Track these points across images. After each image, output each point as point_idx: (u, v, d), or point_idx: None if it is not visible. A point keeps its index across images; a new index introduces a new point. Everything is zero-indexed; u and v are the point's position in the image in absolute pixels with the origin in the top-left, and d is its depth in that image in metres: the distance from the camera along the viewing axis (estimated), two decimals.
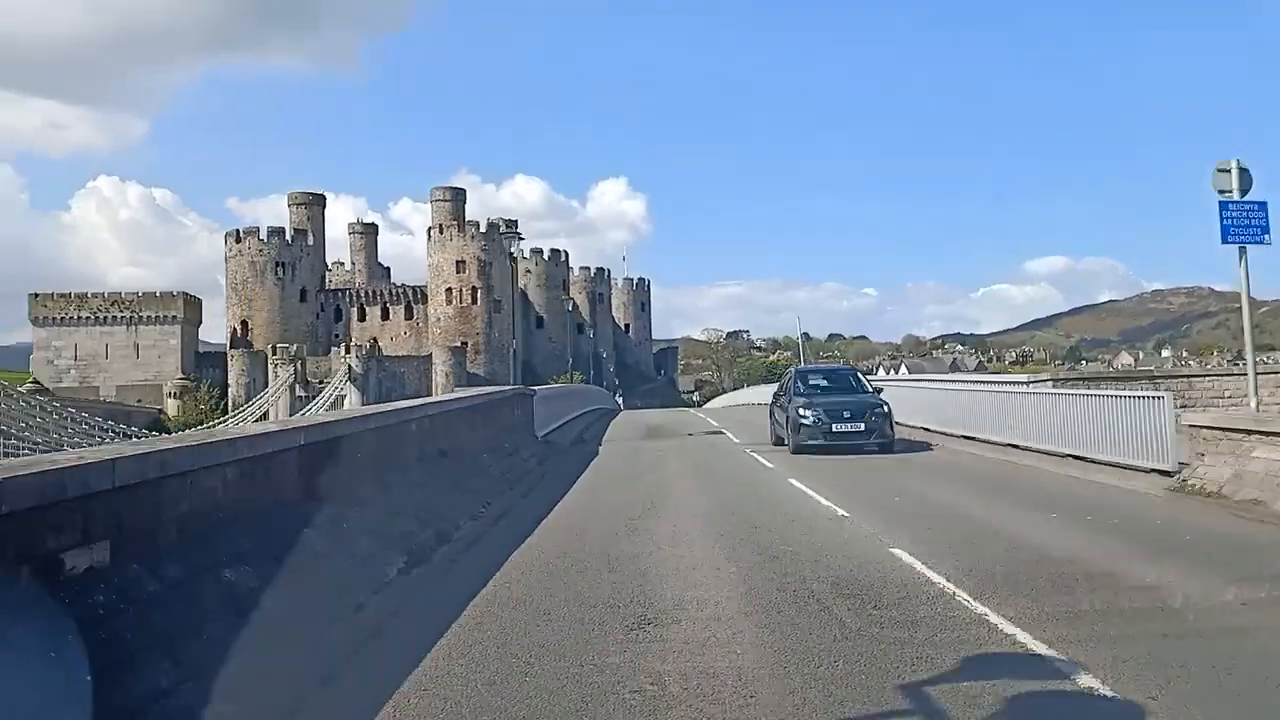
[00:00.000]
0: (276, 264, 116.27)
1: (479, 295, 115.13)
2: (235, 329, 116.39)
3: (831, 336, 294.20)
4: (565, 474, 16.88)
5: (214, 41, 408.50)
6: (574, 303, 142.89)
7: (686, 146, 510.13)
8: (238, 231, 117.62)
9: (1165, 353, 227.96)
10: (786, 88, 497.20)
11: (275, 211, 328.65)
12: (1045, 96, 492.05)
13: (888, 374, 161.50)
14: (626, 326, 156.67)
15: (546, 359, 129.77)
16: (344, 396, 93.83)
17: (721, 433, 29.70)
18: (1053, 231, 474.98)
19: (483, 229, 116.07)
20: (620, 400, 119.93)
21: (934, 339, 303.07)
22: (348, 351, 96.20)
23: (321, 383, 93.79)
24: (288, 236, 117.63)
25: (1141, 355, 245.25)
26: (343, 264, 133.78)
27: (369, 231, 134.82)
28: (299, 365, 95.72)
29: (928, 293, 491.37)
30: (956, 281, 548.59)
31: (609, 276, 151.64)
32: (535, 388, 26.22)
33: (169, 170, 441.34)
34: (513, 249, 77.55)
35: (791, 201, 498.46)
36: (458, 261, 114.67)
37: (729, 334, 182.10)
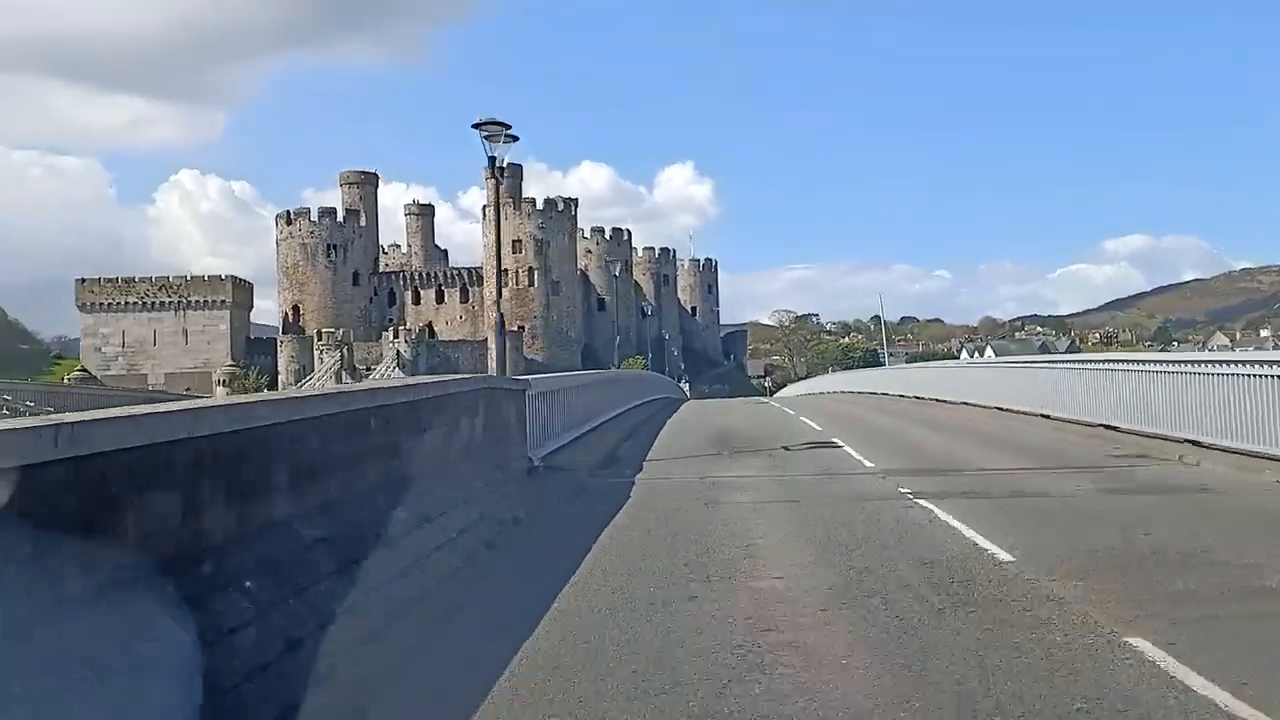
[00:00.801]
0: (328, 246, 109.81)
1: (535, 276, 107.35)
2: (287, 314, 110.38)
3: (904, 319, 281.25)
4: (505, 598, 6.96)
5: (291, 36, 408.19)
6: (637, 284, 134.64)
7: (754, 129, 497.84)
8: (288, 213, 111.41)
9: (1264, 332, 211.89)
10: (854, 69, 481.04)
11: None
12: (1121, 70, 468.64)
13: (970, 357, 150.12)
14: (693, 309, 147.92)
15: (608, 343, 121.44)
16: None
17: (836, 445, 19.53)
18: (1132, 209, 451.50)
19: (540, 206, 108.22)
20: (686, 387, 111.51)
21: (1011, 321, 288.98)
22: (396, 336, 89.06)
23: (369, 369, 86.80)
24: (339, 218, 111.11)
25: (1238, 335, 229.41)
26: (399, 247, 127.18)
27: (425, 213, 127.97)
28: (345, 351, 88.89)
29: (1002, 274, 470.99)
30: (1032, 262, 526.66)
31: (674, 257, 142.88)
32: (534, 377, 17.49)
33: (247, 163, 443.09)
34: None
35: (861, 183, 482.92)
36: (513, 241, 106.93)
37: (797, 317, 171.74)
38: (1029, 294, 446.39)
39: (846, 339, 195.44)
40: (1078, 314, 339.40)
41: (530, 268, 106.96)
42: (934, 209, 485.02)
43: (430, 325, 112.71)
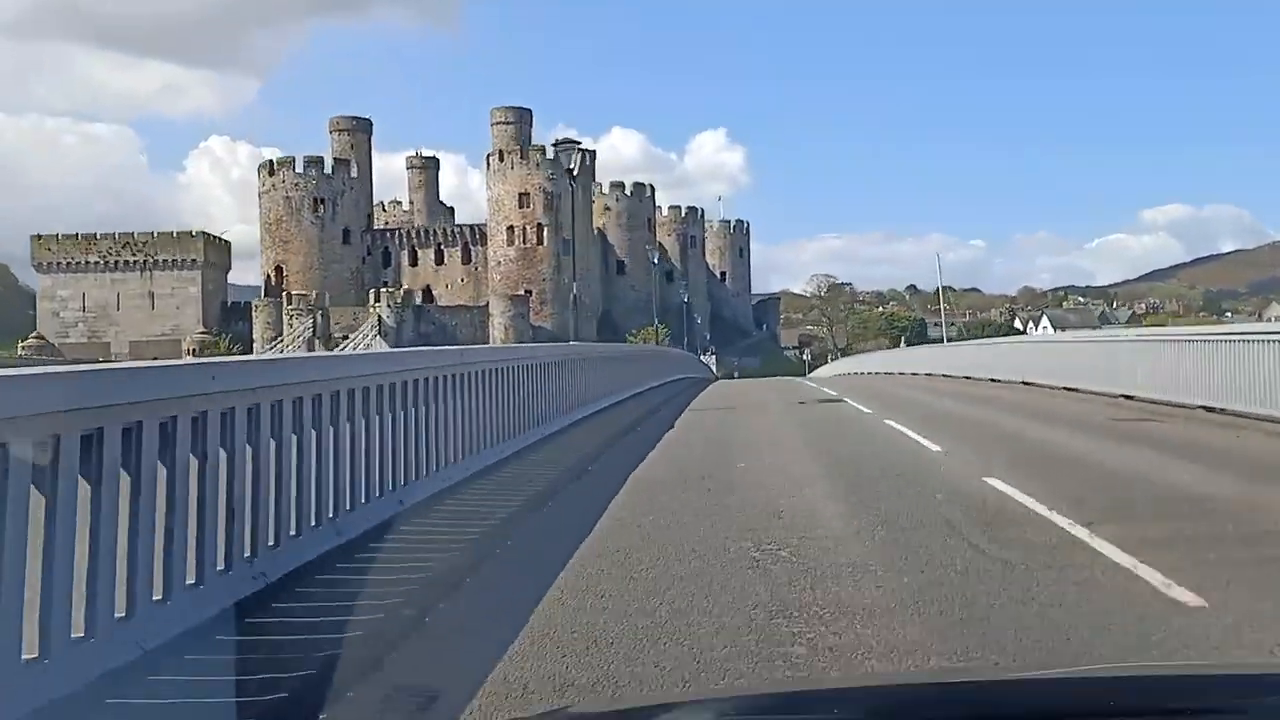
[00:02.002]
0: (315, 200, 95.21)
1: (545, 234, 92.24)
2: (269, 275, 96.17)
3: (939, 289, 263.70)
4: None
5: (323, 2, 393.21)
6: (662, 247, 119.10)
7: (788, 95, 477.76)
8: (270, 163, 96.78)
9: None
10: (889, 34, 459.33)
11: (381, 168, 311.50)
12: (1158, 37, 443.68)
13: (1037, 329, 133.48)
14: (722, 275, 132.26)
15: (628, 310, 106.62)
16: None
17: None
18: (1170, 178, 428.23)
19: (550, 154, 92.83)
20: (713, 360, 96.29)
21: (1050, 291, 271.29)
22: (378, 299, 74.54)
23: (345, 337, 72.51)
24: (327, 168, 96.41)
25: None
26: (400, 203, 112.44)
27: (429, 166, 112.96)
28: (319, 316, 74.63)
29: (1039, 244, 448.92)
30: (1069, 232, 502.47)
31: (703, 218, 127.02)
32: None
33: (279, 130, 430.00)
34: (572, 165, 49.21)
35: (894, 151, 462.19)
36: (520, 194, 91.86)
37: (832, 285, 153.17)
38: (1065, 264, 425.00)
39: (888, 308, 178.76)
40: (1117, 284, 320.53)
41: (539, 224, 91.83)
42: (969, 177, 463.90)
43: (429, 288, 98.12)
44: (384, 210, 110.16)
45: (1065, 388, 21.19)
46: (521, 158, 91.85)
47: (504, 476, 9.44)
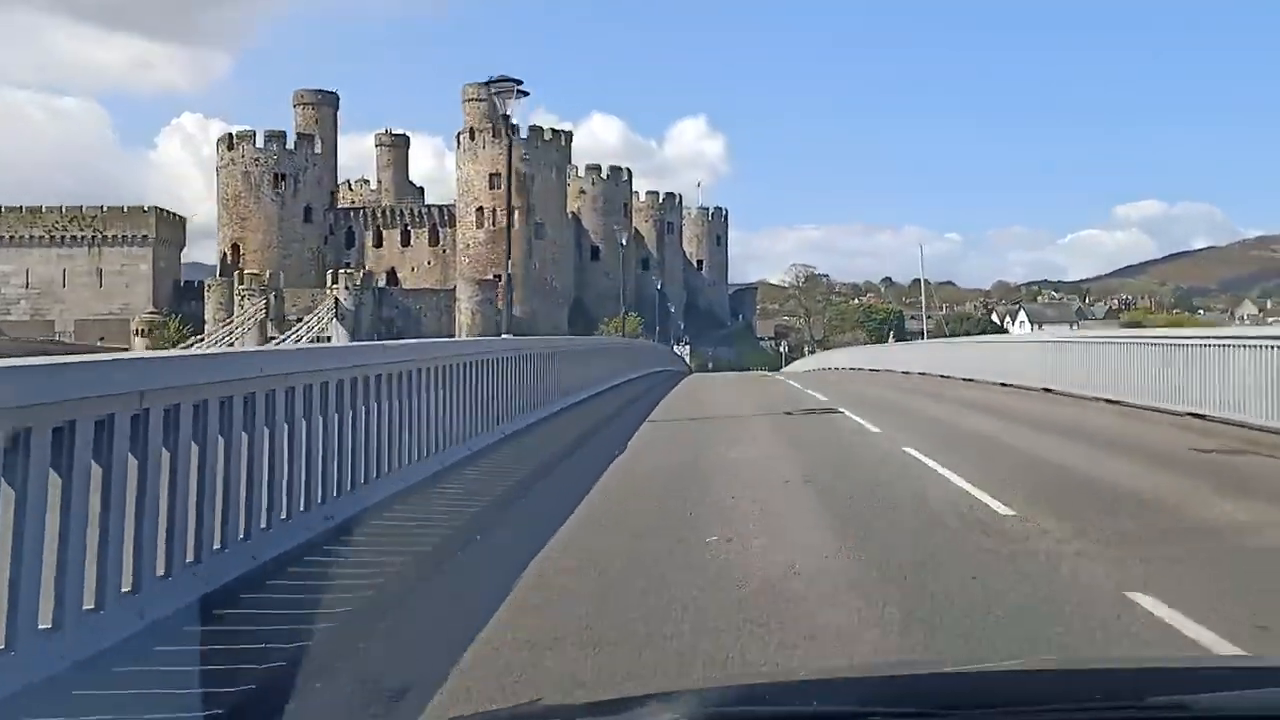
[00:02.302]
0: (275, 175, 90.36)
1: (517, 216, 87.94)
2: (225, 253, 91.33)
3: (915, 282, 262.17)
4: None
5: None
6: (638, 232, 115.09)
7: (771, 84, 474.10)
8: (229, 136, 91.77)
9: None
10: (869, 27, 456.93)
11: (355, 149, 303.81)
12: (1133, 34, 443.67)
13: (1014, 323, 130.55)
14: (699, 263, 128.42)
15: (602, 297, 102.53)
16: (327, 338, 68.15)
17: None
18: (1143, 175, 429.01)
19: (524, 134, 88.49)
20: (687, 351, 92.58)
21: (1023, 285, 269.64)
22: (335, 280, 70.15)
23: (300, 319, 68.13)
24: (290, 143, 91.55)
25: (1270, 304, 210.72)
26: (367, 182, 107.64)
27: (399, 144, 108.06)
28: (272, 297, 70.13)
29: (1012, 238, 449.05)
30: (1042, 227, 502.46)
31: (680, 204, 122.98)
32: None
33: (251, 108, 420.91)
34: (508, 111, 46.66)
35: (873, 143, 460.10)
36: (491, 174, 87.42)
37: (809, 276, 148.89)
38: (1038, 259, 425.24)
39: (858, 300, 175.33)
40: (1089, 280, 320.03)
41: (511, 206, 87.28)
42: (946, 171, 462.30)
43: (393, 271, 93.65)
44: (350, 189, 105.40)
45: (1105, 399, 17.51)
46: (494, 136, 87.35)
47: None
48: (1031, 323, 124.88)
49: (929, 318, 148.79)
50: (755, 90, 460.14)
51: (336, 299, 68.51)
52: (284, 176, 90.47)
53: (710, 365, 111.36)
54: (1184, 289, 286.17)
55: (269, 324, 68.87)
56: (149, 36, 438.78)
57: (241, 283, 73.06)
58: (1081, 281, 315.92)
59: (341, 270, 69.84)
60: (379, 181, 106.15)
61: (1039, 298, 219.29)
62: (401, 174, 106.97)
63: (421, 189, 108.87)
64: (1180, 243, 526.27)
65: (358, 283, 69.20)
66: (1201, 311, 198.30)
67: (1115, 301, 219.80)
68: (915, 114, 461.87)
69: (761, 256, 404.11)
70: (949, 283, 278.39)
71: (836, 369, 47.74)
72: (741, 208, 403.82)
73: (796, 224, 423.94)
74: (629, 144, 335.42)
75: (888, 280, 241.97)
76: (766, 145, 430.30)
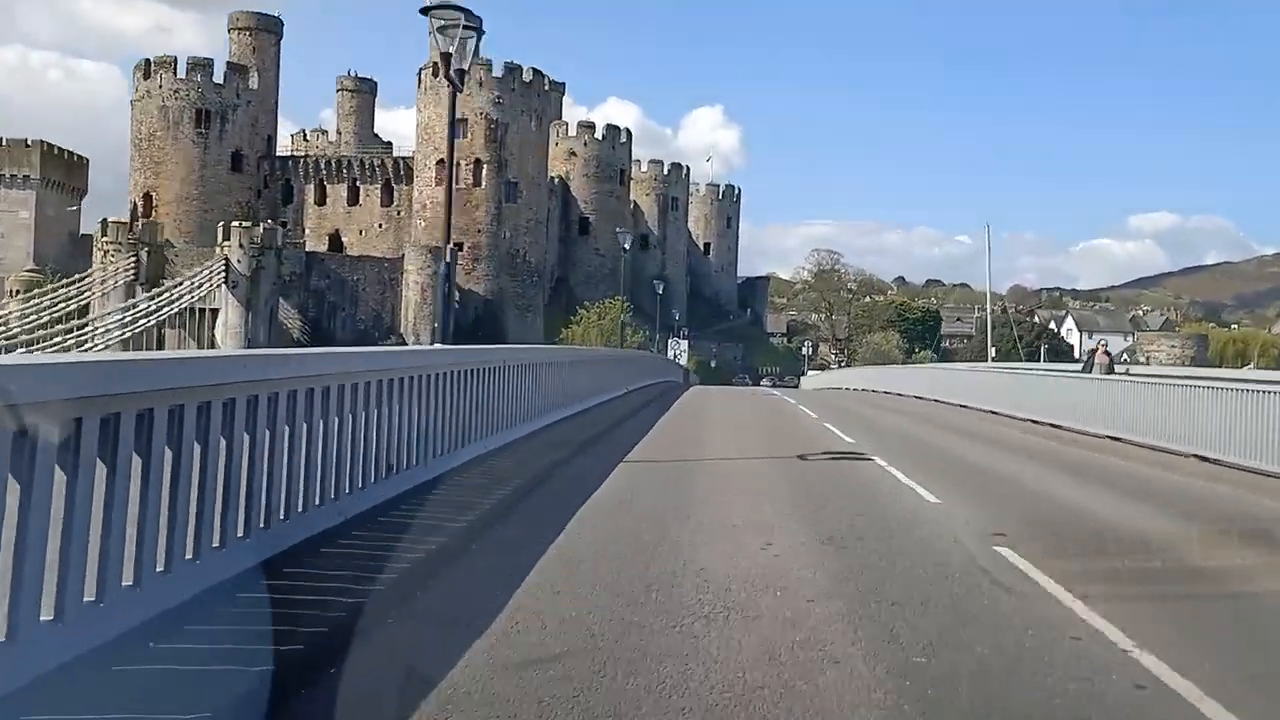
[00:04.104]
0: (199, 112, 71.71)
1: (485, 173, 69.14)
2: (136, 205, 72.83)
3: (929, 282, 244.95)
4: None
5: None
6: (637, 206, 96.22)
7: (787, 78, 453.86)
8: (147, 63, 72.96)
9: None
10: (888, 22, 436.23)
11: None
12: (1155, 46, 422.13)
13: (1060, 330, 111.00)
14: (706, 247, 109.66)
15: (590, 277, 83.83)
16: (212, 310, 49.80)
17: None
18: (1157, 185, 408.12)
19: (498, 73, 69.61)
20: (684, 351, 73.87)
21: (1036, 291, 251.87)
22: (226, 237, 51.32)
23: (180, 285, 49.54)
24: (218, 75, 72.85)
25: None
26: (325, 132, 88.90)
27: (363, 89, 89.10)
28: (146, 254, 51.61)
29: (1024, 243, 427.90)
30: (1054, 234, 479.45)
31: (688, 178, 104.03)
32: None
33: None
34: (451, 51, 17.40)
35: (887, 141, 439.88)
36: (458, 120, 68.67)
37: (819, 273, 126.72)
38: (1049, 266, 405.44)
39: (882, 296, 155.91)
40: (1100, 290, 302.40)
41: (476, 159, 68.65)
42: (957, 174, 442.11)
43: (337, 234, 74.96)
44: (305, 140, 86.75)
45: None
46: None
47: None
48: (1080, 330, 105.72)
49: (956, 319, 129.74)
50: (772, 84, 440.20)
51: (227, 260, 49.91)
52: (209, 114, 71.81)
53: (713, 364, 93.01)
54: (1199, 303, 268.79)
55: (139, 287, 50.36)
56: (170, 3, 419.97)
57: (104, 233, 54.34)
58: (1094, 290, 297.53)
59: (234, 225, 51.20)
60: (338, 132, 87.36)
61: (1059, 304, 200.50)
62: (365, 124, 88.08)
63: (389, 144, 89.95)
64: (1193, 256, 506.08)
65: (258, 240, 50.47)
66: (1233, 326, 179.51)
67: (1159, 312, 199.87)
68: (929, 113, 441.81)
69: (771, 251, 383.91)
70: (964, 284, 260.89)
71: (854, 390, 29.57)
72: (753, 201, 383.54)
73: (806, 219, 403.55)
74: (644, 130, 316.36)
75: (900, 280, 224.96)
76: (782, 137, 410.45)
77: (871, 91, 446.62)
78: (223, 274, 50.16)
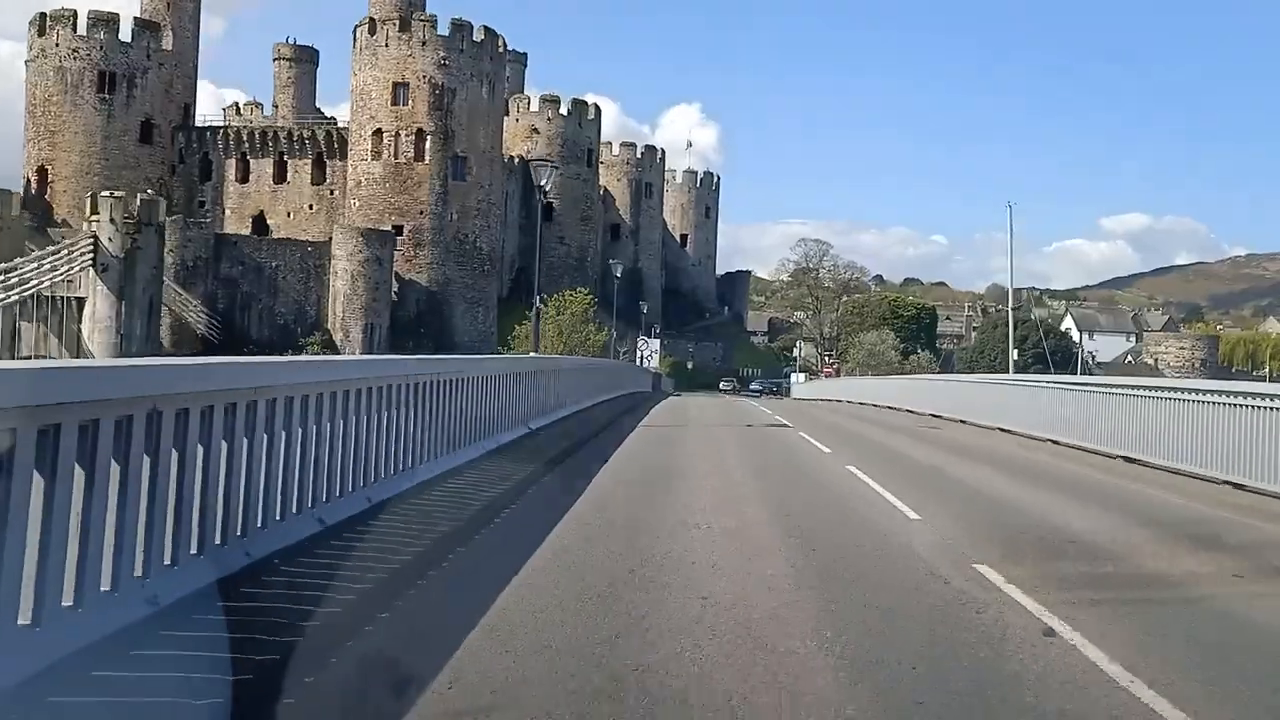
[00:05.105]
0: (101, 74, 61.32)
1: (429, 145, 58.93)
2: (29, 179, 62.33)
3: (907, 281, 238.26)
4: None
5: None
6: (607, 191, 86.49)
7: (762, 76, 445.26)
8: (42, 17, 62.29)
9: None
10: (863, 23, 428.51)
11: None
12: (1126, 50, 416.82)
13: (1059, 328, 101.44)
14: (683, 239, 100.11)
15: (555, 268, 73.78)
16: (80, 300, 39.72)
17: None
18: (1129, 187, 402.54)
19: (444, 31, 59.41)
20: (655, 353, 63.95)
21: (1020, 289, 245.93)
22: (95, 210, 41.00)
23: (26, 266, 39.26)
24: (125, 33, 62.39)
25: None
26: (260, 105, 78.36)
27: (303, 58, 78.70)
28: None
29: (998, 243, 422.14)
30: (1027, 234, 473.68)
31: (663, 160, 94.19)
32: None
33: (243, 73, 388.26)
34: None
35: (862, 142, 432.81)
36: (396, 85, 58.58)
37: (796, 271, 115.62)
38: (1022, 266, 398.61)
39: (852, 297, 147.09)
40: (1074, 290, 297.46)
41: (419, 130, 58.49)
42: (933, 173, 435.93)
43: (261, 216, 64.64)
44: (238, 113, 76.22)
45: None
46: (401, 31, 58.32)
47: None
48: (1080, 330, 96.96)
49: (946, 317, 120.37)
50: (749, 83, 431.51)
51: (96, 240, 39.69)
52: (114, 77, 61.41)
53: (690, 365, 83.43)
54: (1173, 303, 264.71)
55: None
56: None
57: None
58: (1068, 290, 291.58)
59: (104, 196, 40.80)
60: (275, 105, 76.91)
61: (1039, 302, 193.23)
62: (306, 96, 77.67)
63: (333, 119, 79.55)
64: (1163, 257, 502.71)
65: (132, 214, 40.25)
66: (1218, 328, 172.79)
67: (1159, 310, 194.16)
68: (906, 114, 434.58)
69: (747, 249, 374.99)
70: (942, 283, 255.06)
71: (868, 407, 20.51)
72: (729, 200, 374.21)
73: (783, 219, 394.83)
74: (622, 128, 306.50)
75: (878, 278, 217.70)
76: (759, 136, 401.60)
77: (848, 91, 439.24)
78: (89, 256, 39.91)
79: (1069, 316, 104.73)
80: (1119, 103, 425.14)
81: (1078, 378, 28.50)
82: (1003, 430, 17.78)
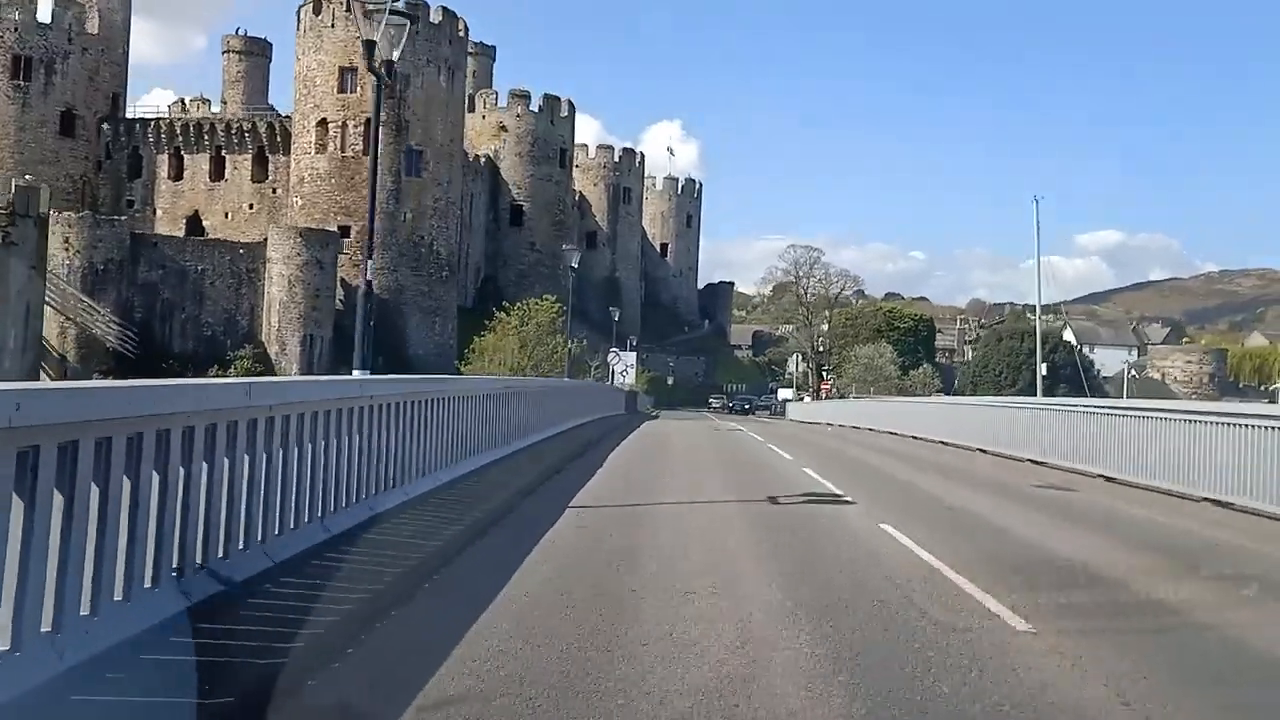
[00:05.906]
0: (15, 59, 54.19)
1: (379, 137, 52.23)
2: None
3: (888, 296, 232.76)
4: None
5: None
6: (582, 196, 79.80)
7: (740, 95, 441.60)
8: None
9: None
10: (842, 39, 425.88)
11: None
12: (1093, 69, 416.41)
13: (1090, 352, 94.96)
14: (663, 248, 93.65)
15: (524, 276, 67.02)
16: None
17: None
18: (1103, 205, 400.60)
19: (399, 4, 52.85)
20: (630, 368, 56.99)
21: (1003, 304, 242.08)
22: None
23: None
24: (44, 13, 55.32)
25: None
26: (208, 101, 71.16)
27: (254, 51, 71.69)
28: None
29: (975, 259, 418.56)
30: (1004, 250, 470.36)
31: (642, 165, 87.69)
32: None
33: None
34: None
35: (841, 159, 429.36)
36: (343, 70, 51.74)
37: (776, 286, 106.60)
38: (1000, 282, 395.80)
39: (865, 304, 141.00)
40: (1055, 305, 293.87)
41: (368, 120, 51.52)
42: (910, 191, 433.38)
43: (196, 216, 57.45)
44: (184, 109, 69.02)
45: None
46: (348, 10, 51.44)
47: None
48: (1081, 344, 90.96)
49: (937, 330, 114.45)
50: (729, 100, 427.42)
51: None
52: (30, 62, 54.29)
53: (671, 380, 76.71)
54: (1149, 318, 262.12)
55: None
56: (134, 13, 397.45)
57: None
58: (1051, 305, 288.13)
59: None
60: (224, 101, 69.76)
61: (1020, 317, 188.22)
62: (256, 90, 70.57)
63: (286, 118, 72.49)
64: (1138, 273, 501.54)
65: (7, 204, 33.13)
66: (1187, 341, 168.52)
67: (1159, 324, 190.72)
68: (886, 129, 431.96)
69: (728, 265, 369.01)
70: (923, 298, 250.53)
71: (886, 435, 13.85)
72: (710, 216, 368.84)
73: (763, 235, 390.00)
74: (603, 143, 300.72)
75: (860, 293, 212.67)
76: (739, 153, 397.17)
77: (827, 110, 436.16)
78: None
79: (1068, 329, 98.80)
80: (1097, 115, 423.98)
81: (1165, 403, 21.83)
82: (1148, 489, 11.08)
